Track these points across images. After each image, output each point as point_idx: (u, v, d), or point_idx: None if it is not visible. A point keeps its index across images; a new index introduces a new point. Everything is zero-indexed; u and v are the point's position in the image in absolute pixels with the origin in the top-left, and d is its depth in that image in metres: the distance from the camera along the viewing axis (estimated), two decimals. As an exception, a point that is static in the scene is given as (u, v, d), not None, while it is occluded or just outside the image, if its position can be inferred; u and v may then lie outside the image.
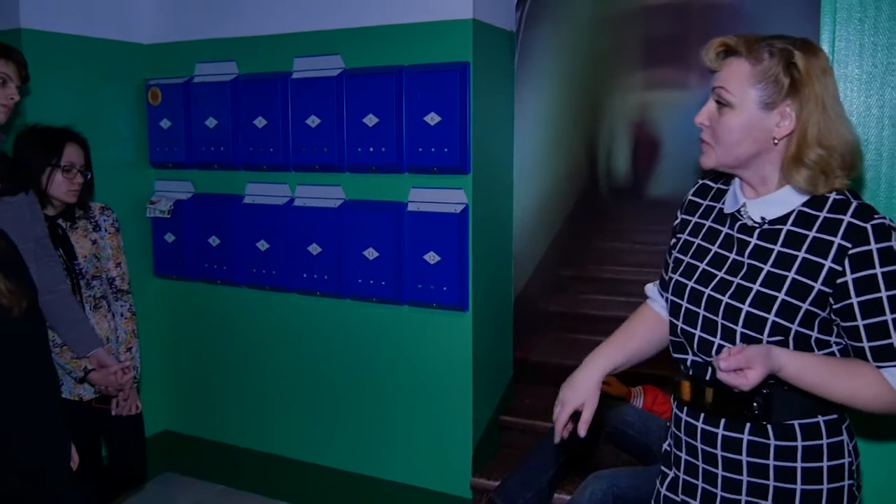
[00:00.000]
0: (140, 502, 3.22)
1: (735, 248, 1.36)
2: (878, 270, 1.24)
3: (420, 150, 2.74)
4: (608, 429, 2.43)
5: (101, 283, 2.42)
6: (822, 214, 1.28)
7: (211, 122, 3.15)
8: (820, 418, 1.33)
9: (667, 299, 1.46)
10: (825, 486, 1.32)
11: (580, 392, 1.46)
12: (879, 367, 1.27)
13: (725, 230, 1.40)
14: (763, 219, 1.34)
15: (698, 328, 1.37)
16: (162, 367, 3.43)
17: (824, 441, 1.32)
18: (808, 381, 1.26)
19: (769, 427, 1.32)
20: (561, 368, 3.02)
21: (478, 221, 2.76)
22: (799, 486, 1.32)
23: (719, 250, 1.39)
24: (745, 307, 1.30)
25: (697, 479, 1.41)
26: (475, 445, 2.85)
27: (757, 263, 1.32)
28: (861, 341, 1.28)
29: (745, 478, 1.34)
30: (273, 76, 3.01)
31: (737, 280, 1.33)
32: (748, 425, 1.33)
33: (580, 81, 2.93)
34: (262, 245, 3.11)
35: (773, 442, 1.32)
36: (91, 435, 2.42)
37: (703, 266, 1.39)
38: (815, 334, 1.29)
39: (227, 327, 3.30)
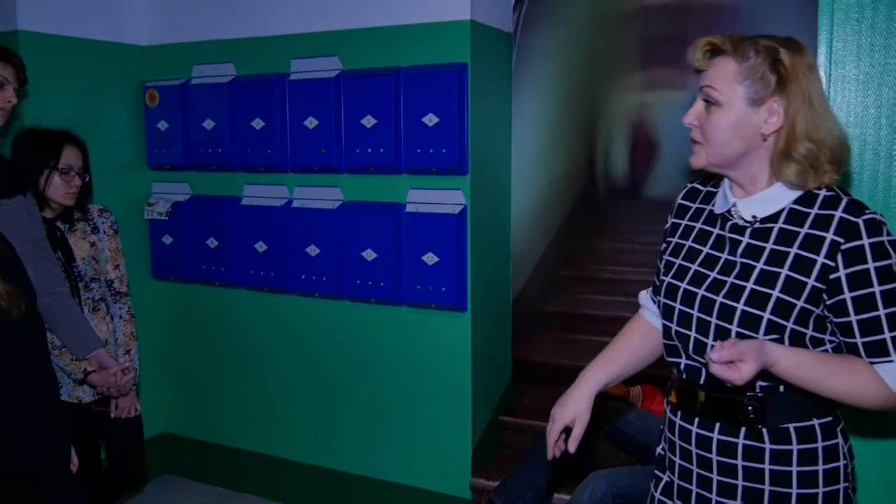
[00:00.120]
0: (139, 504, 3.22)
1: (727, 248, 1.36)
2: (871, 265, 1.24)
3: (418, 151, 2.74)
4: (608, 428, 2.43)
5: (99, 286, 2.42)
6: (814, 211, 1.29)
7: (208, 124, 3.15)
8: (815, 421, 1.33)
9: (659, 303, 1.46)
10: (821, 490, 1.31)
11: (570, 409, 1.46)
12: (873, 364, 1.27)
13: (716, 231, 1.40)
14: (754, 217, 1.34)
15: (693, 330, 1.36)
16: (161, 369, 3.43)
17: (819, 444, 1.32)
18: (801, 377, 1.25)
19: (764, 431, 1.32)
20: (560, 368, 3.06)
21: (476, 222, 2.76)
22: (795, 490, 1.31)
23: (711, 251, 1.39)
24: (740, 306, 1.29)
25: (692, 484, 1.40)
26: (474, 446, 2.85)
27: (750, 262, 1.31)
28: (854, 337, 1.27)
29: (740, 482, 1.34)
30: (271, 77, 3.01)
31: (730, 279, 1.32)
32: (743, 429, 1.33)
33: (578, 82, 2.93)
34: (261, 246, 3.11)
35: (768, 446, 1.32)
36: (90, 437, 2.42)
37: (694, 267, 1.39)
38: (809, 332, 1.29)
39: (225, 329, 3.30)
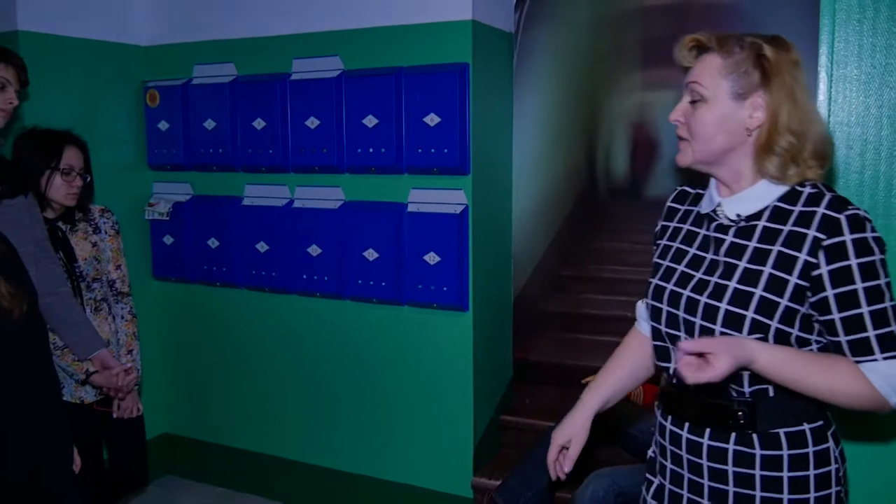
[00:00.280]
0: (141, 504, 3.22)
1: (712, 248, 1.36)
2: (853, 262, 1.22)
3: (420, 150, 2.75)
4: (623, 434, 2.43)
5: (101, 286, 2.42)
6: (797, 208, 1.28)
7: (209, 124, 3.15)
8: (805, 426, 1.31)
9: (648, 305, 1.46)
10: (812, 495, 1.30)
11: (566, 430, 1.51)
12: (858, 363, 1.25)
13: (703, 232, 1.39)
14: (739, 216, 1.34)
15: (681, 331, 1.35)
16: (162, 369, 3.43)
17: (810, 449, 1.31)
18: (783, 375, 1.24)
19: (754, 436, 1.31)
20: (561, 368, 3.07)
21: (477, 222, 2.77)
22: (786, 496, 1.29)
23: (697, 252, 1.38)
24: (724, 305, 1.28)
25: (683, 490, 1.39)
26: (476, 445, 2.85)
27: (733, 261, 1.31)
28: (838, 335, 1.26)
29: (731, 488, 1.33)
30: (272, 77, 3.01)
31: (714, 279, 1.31)
32: (733, 434, 1.32)
33: (579, 82, 2.93)
34: (262, 247, 3.11)
35: (758, 451, 1.30)
36: (92, 438, 2.42)
37: (681, 268, 1.39)
38: (795, 332, 1.27)
39: (226, 329, 3.30)
